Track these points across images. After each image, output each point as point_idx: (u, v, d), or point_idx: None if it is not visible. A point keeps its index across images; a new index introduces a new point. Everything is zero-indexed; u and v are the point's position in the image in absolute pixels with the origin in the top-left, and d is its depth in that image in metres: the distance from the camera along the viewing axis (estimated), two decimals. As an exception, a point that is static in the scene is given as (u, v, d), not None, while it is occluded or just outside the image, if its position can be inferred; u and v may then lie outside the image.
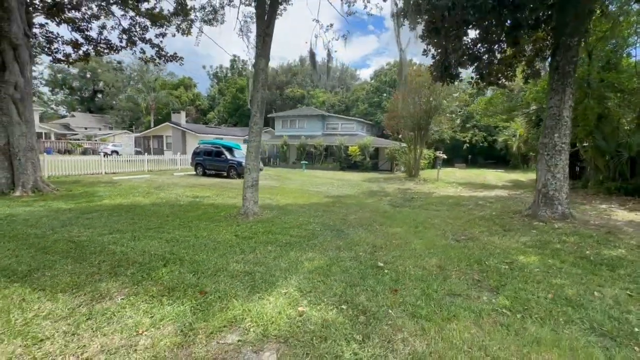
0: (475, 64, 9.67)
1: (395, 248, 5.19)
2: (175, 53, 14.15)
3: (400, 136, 20.06)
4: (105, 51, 14.18)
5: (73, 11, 12.60)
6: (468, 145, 31.29)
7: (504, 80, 11.33)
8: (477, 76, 10.00)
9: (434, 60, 9.45)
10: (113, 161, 18.01)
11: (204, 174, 18.21)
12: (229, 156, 17.46)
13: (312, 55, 8.84)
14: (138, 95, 42.65)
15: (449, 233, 6.37)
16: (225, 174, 17.42)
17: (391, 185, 15.49)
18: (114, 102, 52.46)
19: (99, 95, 60.52)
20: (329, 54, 8.79)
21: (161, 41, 13.87)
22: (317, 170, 24.70)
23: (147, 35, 13.83)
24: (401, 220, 7.47)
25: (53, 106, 65.16)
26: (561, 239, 5.87)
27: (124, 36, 13.65)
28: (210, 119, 49.23)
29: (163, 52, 14.04)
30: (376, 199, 10.95)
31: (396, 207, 9.53)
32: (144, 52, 14.23)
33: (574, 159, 17.01)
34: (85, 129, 51.98)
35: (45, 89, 62.80)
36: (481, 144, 31.69)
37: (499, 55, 10.63)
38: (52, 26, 12.90)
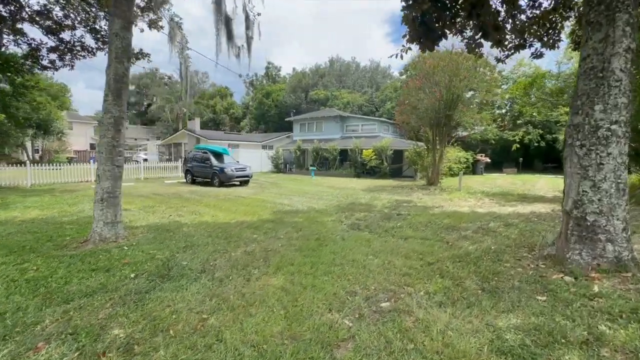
0: (475, 15, 6.28)
1: (171, 342, 2.51)
2: (141, 49, 13.11)
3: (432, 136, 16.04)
4: (82, 54, 13.74)
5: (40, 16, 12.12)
6: (519, 145, 25.44)
7: (539, 45, 7.89)
8: (479, 34, 6.61)
9: (404, 15, 6.39)
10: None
11: (193, 182, 16.84)
12: (214, 162, 15.79)
13: (227, 21, 6.47)
14: (166, 105, 44.49)
15: (365, 293, 3.43)
16: (210, 181, 15.81)
17: (392, 196, 12.23)
18: (162, 114, 56.13)
19: (151, 109, 65.64)
20: (247, 19, 6.33)
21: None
22: (330, 177, 21.97)
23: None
24: (319, 258, 4.64)
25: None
26: (594, 325, 2.58)
27: (97, 36, 13.00)
28: (243, 127, 49.61)
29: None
30: (343, 216, 8.06)
31: (353, 229, 6.60)
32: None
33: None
34: (135, 139, 56.39)
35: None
36: (536, 144, 25.56)
37: (528, 11, 7.31)
38: (32, 34, 12.58)
